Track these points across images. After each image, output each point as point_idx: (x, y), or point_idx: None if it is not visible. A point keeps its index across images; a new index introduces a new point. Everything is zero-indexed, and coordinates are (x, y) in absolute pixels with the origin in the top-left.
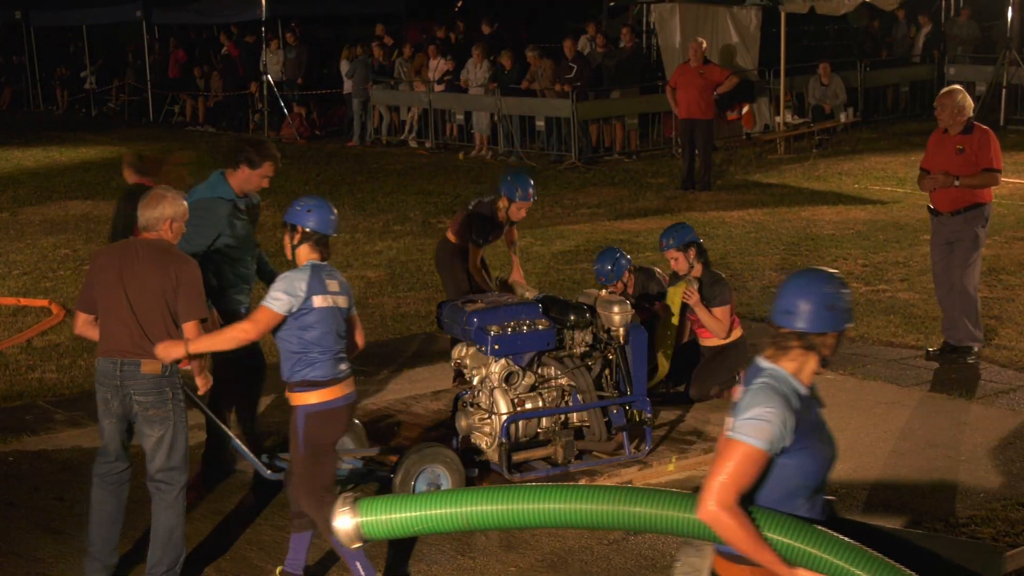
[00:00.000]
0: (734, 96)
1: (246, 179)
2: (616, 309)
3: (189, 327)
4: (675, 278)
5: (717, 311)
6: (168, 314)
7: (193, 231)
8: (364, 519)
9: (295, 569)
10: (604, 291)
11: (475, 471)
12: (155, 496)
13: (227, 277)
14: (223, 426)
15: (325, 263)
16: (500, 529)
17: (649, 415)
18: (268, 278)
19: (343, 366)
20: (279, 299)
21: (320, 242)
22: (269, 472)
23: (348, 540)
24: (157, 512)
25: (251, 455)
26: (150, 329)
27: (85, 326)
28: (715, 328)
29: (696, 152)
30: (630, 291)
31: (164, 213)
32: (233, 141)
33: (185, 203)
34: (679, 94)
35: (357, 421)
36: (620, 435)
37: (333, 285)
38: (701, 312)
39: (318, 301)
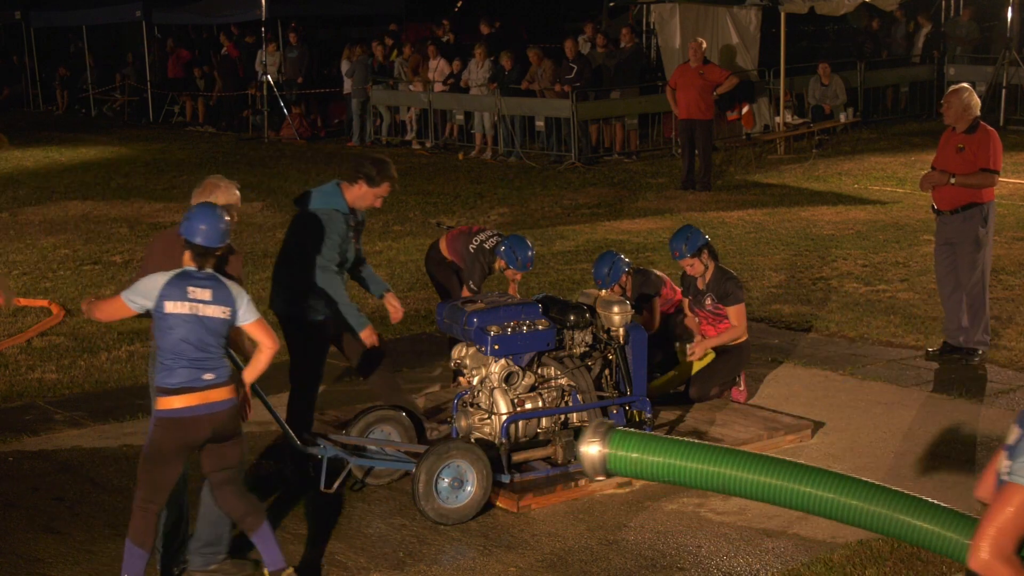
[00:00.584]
0: (734, 96)
1: (361, 196)
2: (616, 309)
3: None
4: (686, 277)
5: (731, 311)
6: None
7: (321, 243)
8: (613, 451)
9: (277, 565)
10: (604, 291)
11: (507, 477)
12: (217, 486)
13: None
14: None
15: (204, 271)
16: (756, 501)
17: (649, 415)
18: (369, 284)
19: (207, 376)
20: (134, 299)
21: (199, 252)
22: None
23: (592, 470)
24: (206, 497)
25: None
26: None
27: (123, 310)
28: (733, 334)
29: (696, 152)
30: (628, 293)
31: (217, 202)
32: (354, 156)
33: (238, 192)
34: (679, 94)
35: (404, 414)
36: None
37: (201, 294)
38: (714, 342)
39: (170, 307)
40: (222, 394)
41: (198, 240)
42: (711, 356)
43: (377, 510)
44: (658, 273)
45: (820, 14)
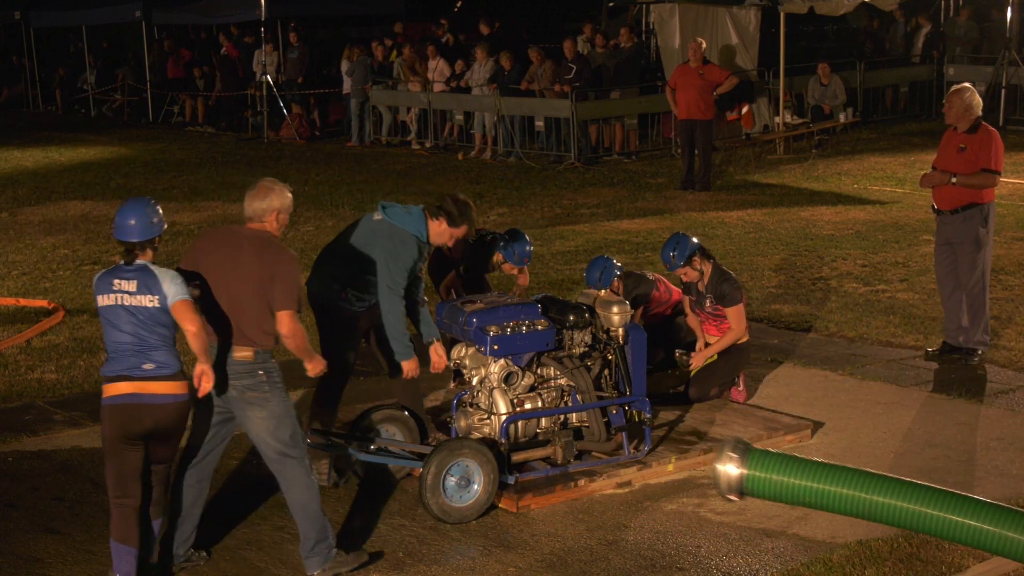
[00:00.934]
0: (734, 96)
1: (440, 232)
2: (615, 309)
3: (281, 316)
4: (688, 287)
5: (729, 311)
6: (264, 304)
7: (397, 262)
8: (751, 472)
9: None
10: (603, 291)
11: (513, 477)
12: (279, 477)
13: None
14: None
15: (135, 263)
16: (904, 529)
17: (648, 415)
18: (421, 325)
19: (147, 365)
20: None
21: (122, 247)
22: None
23: (727, 488)
24: (288, 492)
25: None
26: (247, 319)
27: None
28: (732, 337)
29: (696, 152)
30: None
31: (272, 205)
32: (440, 194)
33: (290, 195)
34: (679, 94)
35: (407, 414)
36: (619, 435)
37: (127, 285)
38: (714, 349)
39: (100, 300)
40: (163, 387)
41: (115, 235)
42: (713, 357)
43: (377, 510)
44: (651, 276)
45: (820, 14)
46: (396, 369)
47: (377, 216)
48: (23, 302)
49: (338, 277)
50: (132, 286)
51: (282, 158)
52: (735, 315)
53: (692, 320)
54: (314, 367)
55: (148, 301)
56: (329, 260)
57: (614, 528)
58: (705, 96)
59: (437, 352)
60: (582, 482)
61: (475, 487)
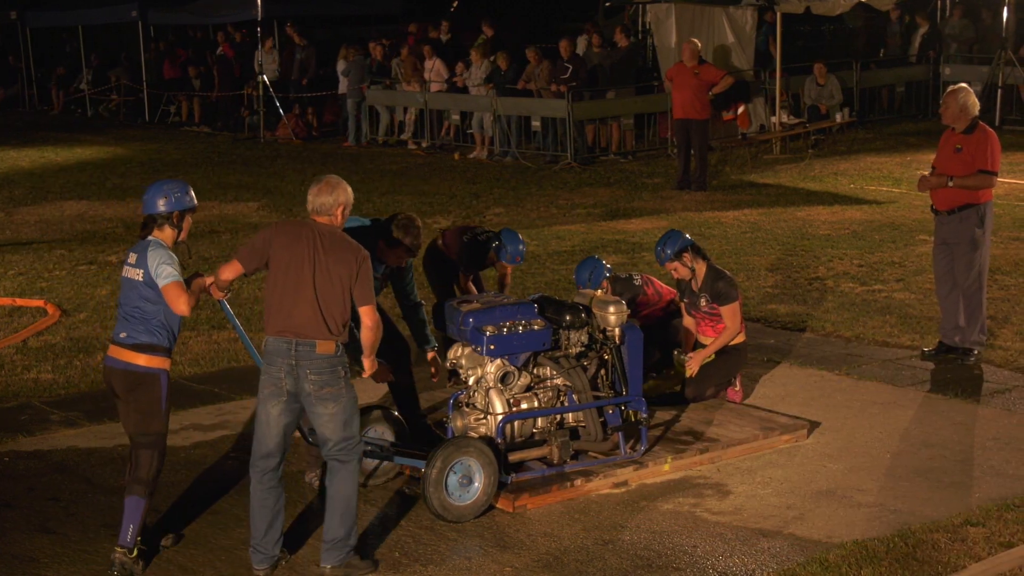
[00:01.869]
0: (730, 96)
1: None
2: (612, 309)
3: (366, 311)
4: (680, 282)
5: (724, 310)
6: (347, 300)
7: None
8: None
9: (123, 541)
10: (599, 291)
11: (509, 478)
12: (335, 469)
13: None
14: None
15: (146, 239)
16: None
17: (645, 415)
18: (416, 333)
19: (123, 333)
20: None
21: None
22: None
23: None
24: (336, 484)
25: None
26: (330, 313)
27: (226, 273)
28: (728, 336)
29: (692, 152)
30: None
31: (339, 199)
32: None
33: (350, 191)
34: (674, 93)
35: (396, 414)
36: (616, 435)
37: (131, 258)
38: (709, 351)
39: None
40: (125, 354)
41: (144, 210)
42: (710, 357)
43: (373, 510)
44: (640, 278)
45: (816, 14)
46: (397, 369)
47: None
48: (19, 302)
49: None
50: (133, 258)
51: (278, 158)
52: (730, 313)
53: (688, 322)
54: (370, 368)
55: (135, 274)
56: None
57: (610, 528)
58: (700, 96)
59: (436, 364)
60: (578, 482)
61: (476, 486)
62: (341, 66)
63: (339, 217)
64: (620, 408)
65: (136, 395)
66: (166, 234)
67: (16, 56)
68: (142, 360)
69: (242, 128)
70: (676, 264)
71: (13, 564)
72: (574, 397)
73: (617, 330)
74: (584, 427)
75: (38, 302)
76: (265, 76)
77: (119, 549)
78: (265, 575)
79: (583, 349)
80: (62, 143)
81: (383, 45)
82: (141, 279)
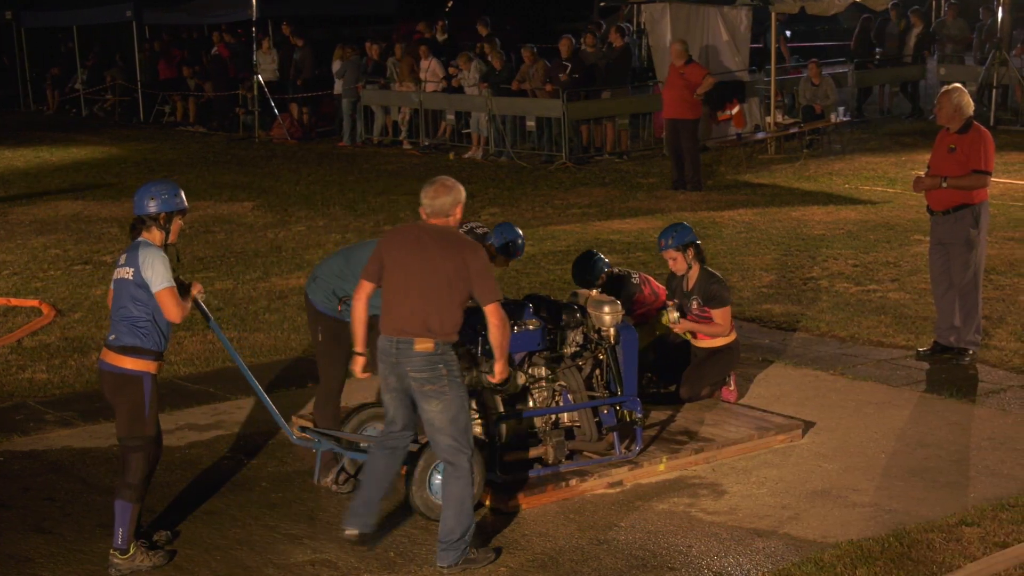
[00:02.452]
0: (724, 96)
1: None
2: (607, 309)
3: (491, 310)
4: (672, 278)
5: (716, 312)
6: (453, 298)
7: None
8: None
9: (118, 543)
10: (595, 291)
11: (500, 477)
12: (445, 471)
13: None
14: (264, 396)
15: (135, 241)
16: None
17: (639, 415)
18: None
19: (112, 336)
20: None
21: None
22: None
23: None
24: (447, 486)
25: (281, 419)
26: (432, 311)
27: (362, 294)
28: (715, 332)
29: (683, 152)
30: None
31: (457, 199)
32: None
33: (464, 192)
34: (663, 93)
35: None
36: (610, 435)
37: (122, 258)
38: (696, 327)
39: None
40: (113, 356)
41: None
42: (691, 336)
43: None
44: (638, 277)
45: (811, 14)
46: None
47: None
48: (14, 302)
49: (338, 294)
50: (123, 259)
51: (273, 158)
52: (721, 316)
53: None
54: (501, 372)
55: (126, 273)
56: (332, 278)
57: (605, 528)
58: (687, 95)
59: None
60: (573, 482)
61: None
62: (336, 66)
63: (457, 217)
64: (615, 408)
65: (120, 398)
66: (154, 236)
67: (11, 56)
68: (127, 363)
69: (237, 128)
70: (678, 255)
71: (8, 564)
72: (569, 397)
73: (612, 330)
74: (579, 427)
75: (33, 302)
76: (261, 76)
77: (113, 551)
78: (354, 539)
79: (578, 349)
80: (57, 143)
81: (379, 46)
82: (131, 278)
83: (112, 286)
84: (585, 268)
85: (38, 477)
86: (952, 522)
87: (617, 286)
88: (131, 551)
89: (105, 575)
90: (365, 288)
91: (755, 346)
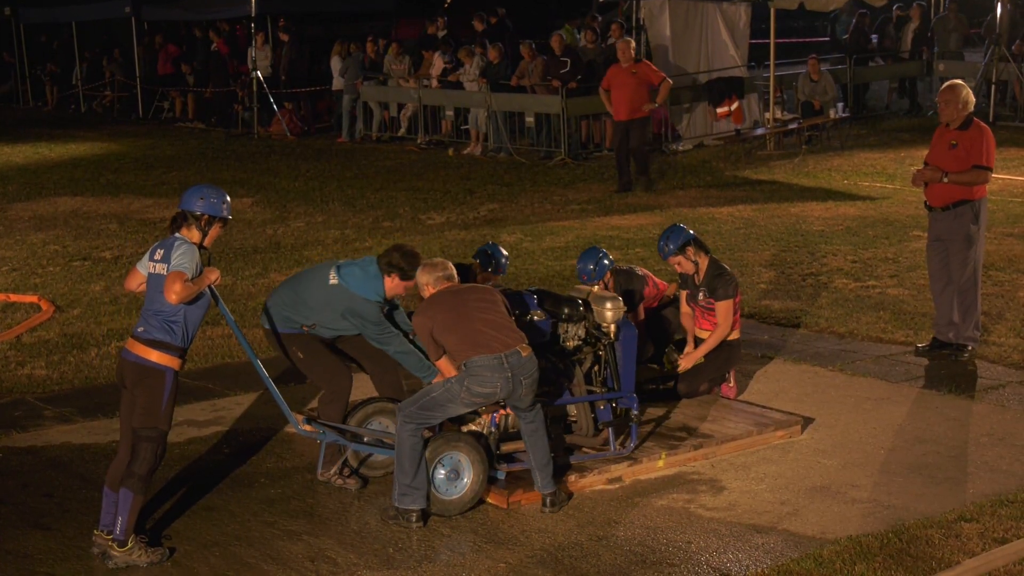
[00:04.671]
0: (724, 92)
1: (394, 287)
2: (609, 305)
3: None
4: (684, 280)
5: (719, 305)
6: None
7: (371, 321)
8: None
9: (116, 535)
10: (596, 287)
11: (502, 473)
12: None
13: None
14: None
15: (173, 235)
16: None
17: (636, 412)
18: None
19: (140, 328)
20: None
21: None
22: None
23: None
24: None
25: (288, 410)
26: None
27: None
28: (720, 333)
29: (630, 153)
30: (610, 290)
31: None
32: (390, 248)
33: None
34: (613, 94)
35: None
36: (606, 430)
37: (158, 253)
38: (704, 351)
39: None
40: (139, 348)
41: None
42: (700, 360)
43: (367, 506)
44: (640, 271)
45: (810, 10)
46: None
47: (333, 280)
48: (13, 298)
49: (298, 319)
50: (160, 254)
51: (272, 154)
52: (723, 311)
53: (686, 319)
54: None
55: (161, 269)
56: (285, 308)
57: (604, 524)
58: (640, 95)
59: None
60: (572, 478)
61: (464, 482)
62: (335, 62)
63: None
64: (612, 404)
65: (141, 389)
66: (193, 234)
67: (10, 52)
68: (153, 356)
69: (236, 124)
70: (680, 258)
71: (7, 560)
72: (568, 391)
73: (613, 326)
74: (576, 421)
75: (32, 298)
76: (259, 72)
77: (110, 541)
78: (419, 521)
79: (579, 343)
80: (56, 139)
81: (378, 44)
82: (164, 273)
83: (147, 280)
84: (591, 266)
85: (37, 473)
86: (951, 518)
87: (623, 283)
88: (130, 545)
89: (102, 571)
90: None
91: (754, 342)
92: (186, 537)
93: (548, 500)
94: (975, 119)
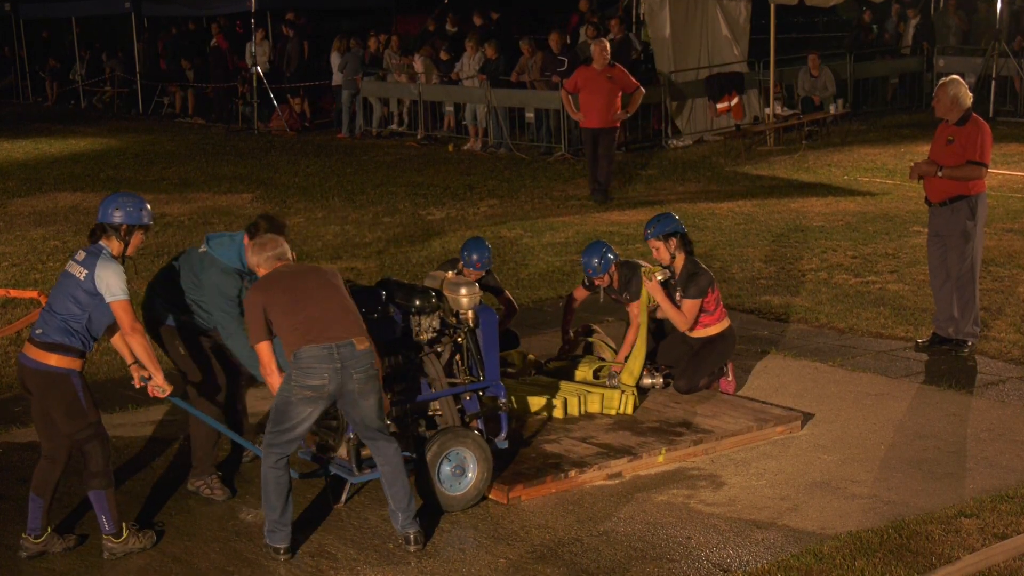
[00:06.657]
0: (724, 87)
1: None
2: (464, 291)
3: None
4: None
5: (685, 301)
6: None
7: (225, 294)
8: None
9: (107, 528)
10: (451, 273)
11: (358, 476)
12: (375, 451)
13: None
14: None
15: (98, 246)
16: None
17: (503, 400)
18: None
19: (38, 330)
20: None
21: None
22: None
23: None
24: (382, 464)
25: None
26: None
27: None
28: (676, 320)
29: (598, 160)
30: (614, 285)
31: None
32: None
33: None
34: (583, 98)
35: None
36: (475, 422)
37: (78, 255)
38: (660, 300)
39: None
40: (37, 352)
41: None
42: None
43: (367, 502)
44: (644, 265)
45: (810, 5)
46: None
47: (202, 248)
48: (13, 293)
49: (174, 306)
50: (82, 256)
51: (272, 150)
52: (689, 306)
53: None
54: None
55: (79, 271)
56: (161, 291)
57: (604, 519)
58: (613, 102)
59: None
60: (572, 473)
61: (468, 479)
62: (335, 58)
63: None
64: (478, 394)
65: (51, 397)
66: (113, 245)
67: (10, 47)
68: (53, 360)
69: (236, 120)
70: (660, 244)
71: (6, 555)
72: (428, 386)
73: (470, 313)
74: (441, 415)
75: (32, 293)
76: (259, 68)
77: (105, 537)
78: (287, 554)
79: (435, 335)
80: (56, 134)
81: (379, 40)
82: (82, 279)
83: (60, 276)
84: (595, 260)
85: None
86: (951, 513)
87: (628, 276)
88: (124, 534)
89: (103, 566)
90: None
91: (754, 337)
92: (186, 533)
93: (412, 538)
94: (973, 115)
